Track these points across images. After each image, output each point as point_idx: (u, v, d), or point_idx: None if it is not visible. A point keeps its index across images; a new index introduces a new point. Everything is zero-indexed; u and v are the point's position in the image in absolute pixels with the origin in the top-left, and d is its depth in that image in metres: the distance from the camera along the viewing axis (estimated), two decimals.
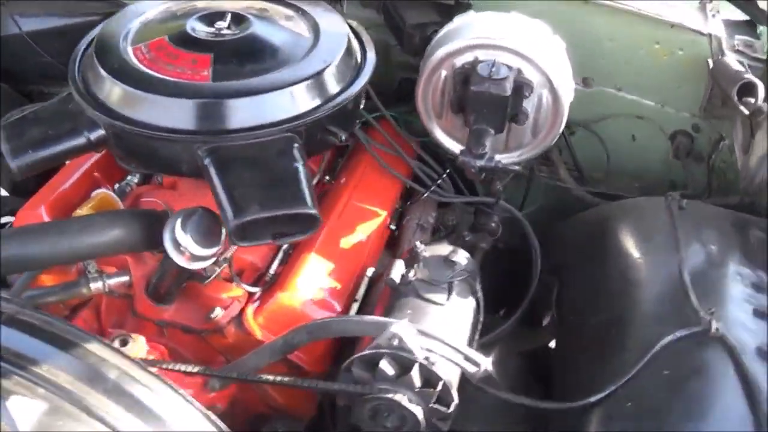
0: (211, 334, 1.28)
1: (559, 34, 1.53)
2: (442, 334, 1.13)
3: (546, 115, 1.47)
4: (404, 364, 1.09)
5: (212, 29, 1.32)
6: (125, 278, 1.30)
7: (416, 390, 1.08)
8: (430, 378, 1.10)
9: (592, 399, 1.10)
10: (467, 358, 1.11)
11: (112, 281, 1.29)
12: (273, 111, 1.20)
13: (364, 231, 1.43)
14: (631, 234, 1.41)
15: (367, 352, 1.10)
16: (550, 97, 1.45)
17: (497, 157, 1.51)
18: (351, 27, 1.44)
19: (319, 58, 1.29)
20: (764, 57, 1.58)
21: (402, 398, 1.07)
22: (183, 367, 1.15)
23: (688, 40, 1.59)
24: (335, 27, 1.37)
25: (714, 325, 1.11)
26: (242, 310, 1.27)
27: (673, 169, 1.74)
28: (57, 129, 1.22)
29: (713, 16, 1.62)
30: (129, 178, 1.43)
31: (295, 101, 1.22)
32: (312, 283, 1.30)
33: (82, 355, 0.92)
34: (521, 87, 1.40)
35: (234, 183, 1.14)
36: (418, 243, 1.29)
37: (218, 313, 1.25)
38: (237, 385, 1.28)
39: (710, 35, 1.58)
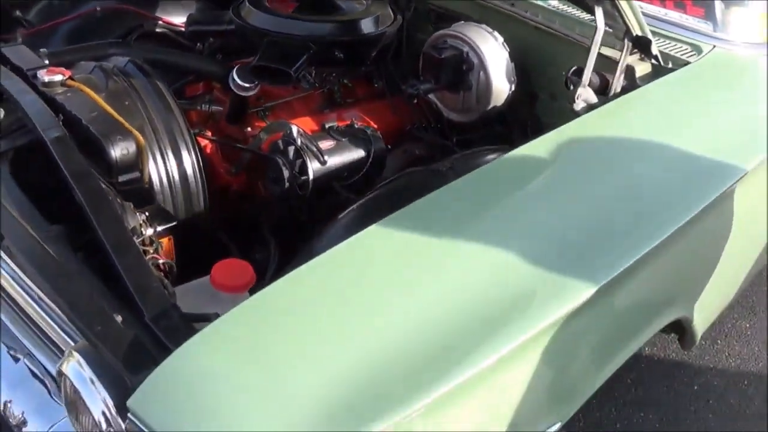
0: (242, 142, 2.32)
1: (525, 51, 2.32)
2: (322, 146, 2.03)
3: (483, 89, 2.26)
4: (288, 144, 2.00)
5: None
6: (220, 108, 2.40)
7: (289, 159, 1.99)
8: (299, 156, 1.99)
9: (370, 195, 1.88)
10: (320, 151, 1.98)
11: (214, 107, 2.41)
12: (302, 30, 2.24)
13: None
14: None
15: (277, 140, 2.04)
16: (485, 77, 2.24)
17: (455, 116, 2.34)
18: (394, 16, 2.40)
19: (350, 17, 2.30)
20: None
21: (279, 161, 1.98)
22: (217, 139, 2.24)
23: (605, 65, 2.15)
24: (377, 10, 2.36)
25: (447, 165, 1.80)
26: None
27: None
28: (216, 20, 2.47)
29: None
30: None
31: (315, 30, 2.24)
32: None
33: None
34: (462, 61, 2.23)
35: (264, 53, 2.19)
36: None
37: (248, 129, 2.30)
38: (246, 175, 2.30)
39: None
